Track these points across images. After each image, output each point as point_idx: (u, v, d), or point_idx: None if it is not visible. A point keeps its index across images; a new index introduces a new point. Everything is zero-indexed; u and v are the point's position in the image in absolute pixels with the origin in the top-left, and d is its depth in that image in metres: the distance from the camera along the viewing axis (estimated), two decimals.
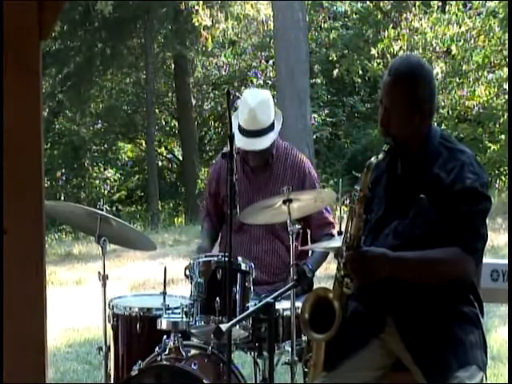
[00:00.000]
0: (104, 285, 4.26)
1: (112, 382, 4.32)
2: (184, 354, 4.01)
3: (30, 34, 2.13)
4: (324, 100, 20.92)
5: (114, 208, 22.22)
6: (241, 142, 4.51)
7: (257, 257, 4.56)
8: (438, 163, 3.36)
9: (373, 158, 3.32)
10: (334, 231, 4.59)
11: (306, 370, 3.78)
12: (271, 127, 4.57)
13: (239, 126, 4.56)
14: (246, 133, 4.54)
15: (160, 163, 23.68)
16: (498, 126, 17.61)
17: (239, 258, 4.06)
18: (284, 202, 4.00)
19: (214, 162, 4.94)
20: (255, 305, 3.70)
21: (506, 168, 16.60)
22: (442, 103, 17.41)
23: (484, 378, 3.32)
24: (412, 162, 3.42)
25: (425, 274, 3.29)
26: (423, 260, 3.28)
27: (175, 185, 24.50)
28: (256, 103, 4.53)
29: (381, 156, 3.33)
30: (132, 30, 20.72)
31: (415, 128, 3.39)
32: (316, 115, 19.77)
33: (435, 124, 3.69)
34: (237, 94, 21.58)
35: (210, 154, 23.15)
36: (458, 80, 17.79)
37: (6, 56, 2.10)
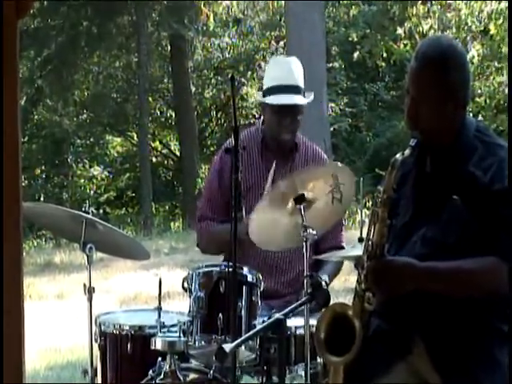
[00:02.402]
0: (90, 299, 4.27)
1: None
2: (182, 378, 4.02)
3: (6, 14, 2.14)
4: (343, 87, 20.97)
5: (102, 211, 22.29)
6: (277, 99, 4.60)
7: (271, 265, 4.60)
8: (473, 160, 3.36)
9: (398, 155, 3.32)
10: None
11: None
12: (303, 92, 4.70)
13: (270, 87, 4.66)
14: (282, 88, 4.63)
15: (154, 159, 23.73)
16: None
17: (245, 269, 4.06)
18: (295, 201, 3.97)
19: (214, 158, 4.93)
20: (263, 322, 3.70)
21: None
22: (479, 91, 17.43)
23: None
24: (443, 159, 3.43)
25: (457, 286, 3.29)
26: (456, 270, 3.29)
27: (171, 184, 24.56)
28: (290, 59, 4.89)
29: (407, 152, 3.33)
30: (122, 5, 20.71)
31: (447, 119, 3.40)
32: (334, 104, 19.80)
33: (470, 115, 3.70)
34: (242, 79, 21.63)
35: (212, 148, 23.18)
36: (496, 64, 17.81)
37: None
